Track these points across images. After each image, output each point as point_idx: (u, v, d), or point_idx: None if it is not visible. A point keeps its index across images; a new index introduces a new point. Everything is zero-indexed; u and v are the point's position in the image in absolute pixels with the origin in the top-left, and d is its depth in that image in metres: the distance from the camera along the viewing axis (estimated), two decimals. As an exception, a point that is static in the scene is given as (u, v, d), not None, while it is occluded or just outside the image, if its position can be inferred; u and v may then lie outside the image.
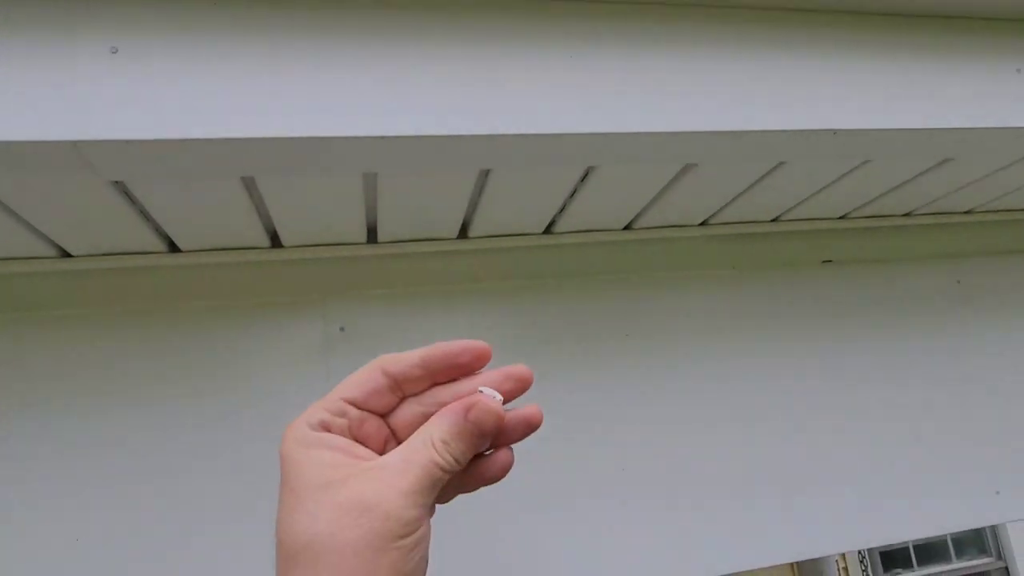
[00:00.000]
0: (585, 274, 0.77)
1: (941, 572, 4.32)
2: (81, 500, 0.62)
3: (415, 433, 0.34)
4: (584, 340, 0.76)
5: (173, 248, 0.64)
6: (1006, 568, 4.31)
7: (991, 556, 4.39)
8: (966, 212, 0.87)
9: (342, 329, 0.70)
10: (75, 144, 0.41)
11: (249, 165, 0.47)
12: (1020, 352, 0.90)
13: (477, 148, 0.48)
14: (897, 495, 0.81)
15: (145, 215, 0.57)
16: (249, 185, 0.53)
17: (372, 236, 0.68)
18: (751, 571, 0.80)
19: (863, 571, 3.75)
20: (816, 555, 0.79)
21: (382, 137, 0.45)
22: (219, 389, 0.67)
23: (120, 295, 0.66)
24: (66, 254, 0.63)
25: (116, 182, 0.50)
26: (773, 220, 0.80)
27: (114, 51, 0.42)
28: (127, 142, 0.42)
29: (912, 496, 0.82)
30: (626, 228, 0.75)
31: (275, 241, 0.66)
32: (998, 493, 0.84)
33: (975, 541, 4.35)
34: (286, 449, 0.32)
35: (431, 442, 0.33)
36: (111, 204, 0.53)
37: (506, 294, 0.75)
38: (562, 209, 0.67)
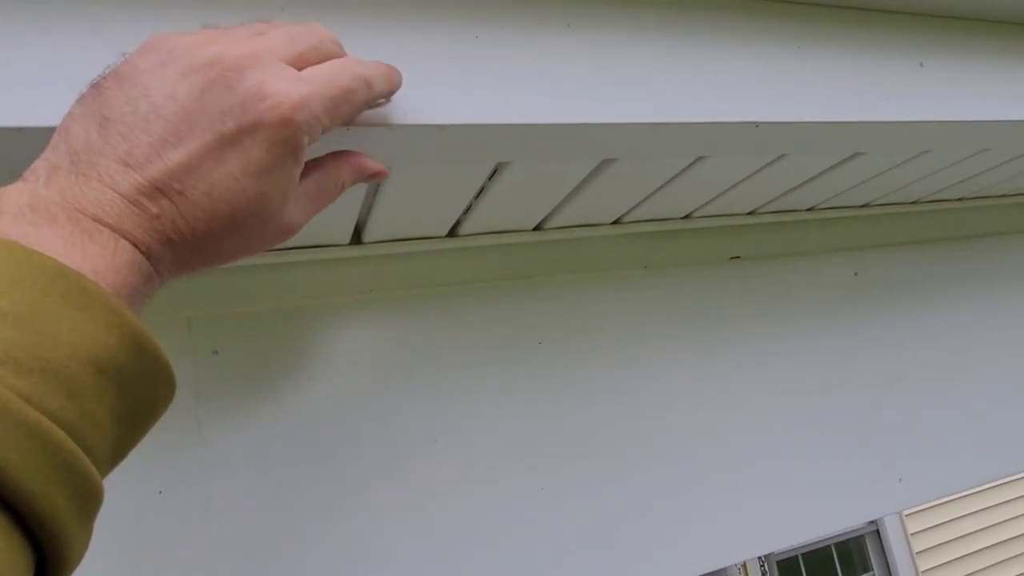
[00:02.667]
0: (492, 278, 0.71)
1: (823, 540, 4.65)
2: None
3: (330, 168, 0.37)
4: (494, 349, 0.70)
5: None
6: (877, 531, 4.70)
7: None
8: (863, 206, 0.89)
9: (215, 353, 0.60)
10: None
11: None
12: (916, 340, 0.92)
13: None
14: (803, 491, 0.81)
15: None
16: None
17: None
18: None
19: None
20: (723, 564, 0.78)
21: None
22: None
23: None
24: None
25: None
26: (685, 217, 0.77)
27: None
28: None
29: (819, 490, 0.82)
30: (536, 228, 0.70)
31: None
32: (900, 481, 0.86)
33: (860, 560, 4.70)
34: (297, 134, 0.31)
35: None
36: None
37: (406, 303, 0.67)
38: (468, 210, 0.61)
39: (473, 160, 0.49)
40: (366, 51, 0.40)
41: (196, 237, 0.30)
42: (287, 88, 0.30)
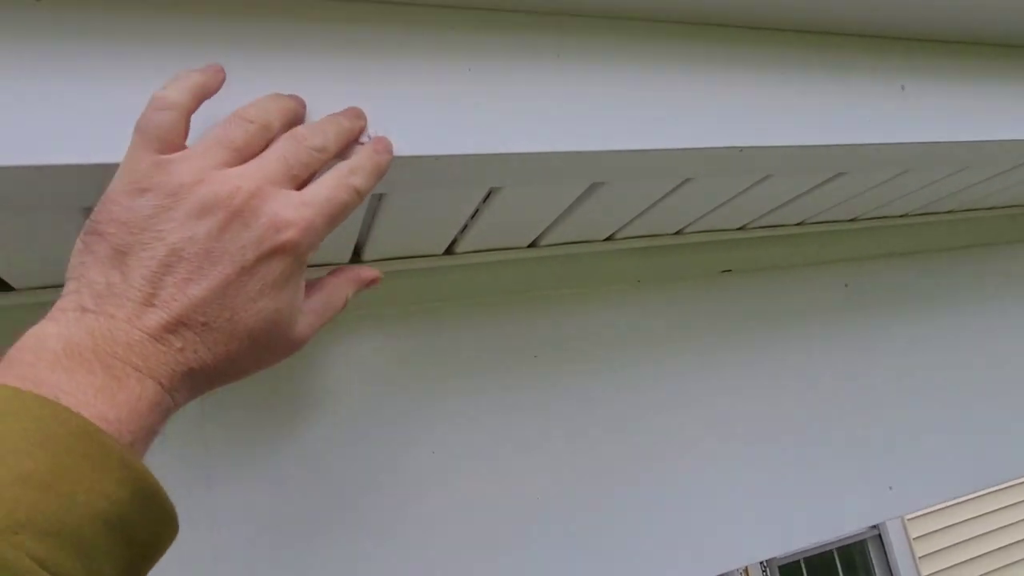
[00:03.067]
0: (489, 293, 0.73)
1: (825, 544, 4.65)
2: None
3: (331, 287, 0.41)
4: (490, 363, 0.72)
5: (4, 287, 0.54)
6: (879, 536, 4.70)
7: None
8: (851, 220, 0.91)
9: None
10: None
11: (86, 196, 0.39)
12: (906, 350, 0.94)
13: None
14: (794, 499, 0.83)
15: (-37, 251, 0.47)
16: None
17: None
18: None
19: None
20: (719, 571, 0.79)
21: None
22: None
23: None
24: None
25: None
26: (676, 233, 0.79)
27: None
28: (-82, 172, 0.33)
29: (810, 499, 0.84)
30: (531, 246, 0.72)
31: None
32: (891, 488, 0.88)
33: (863, 565, 4.70)
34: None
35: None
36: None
37: (403, 319, 0.69)
38: (464, 229, 0.63)
39: (467, 186, 0.51)
40: (365, 88, 0.42)
41: (216, 362, 0.33)
42: (295, 216, 0.34)
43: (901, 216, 0.94)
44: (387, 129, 0.42)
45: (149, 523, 0.29)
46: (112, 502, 0.27)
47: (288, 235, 0.33)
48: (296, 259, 0.34)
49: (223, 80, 0.36)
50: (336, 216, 0.36)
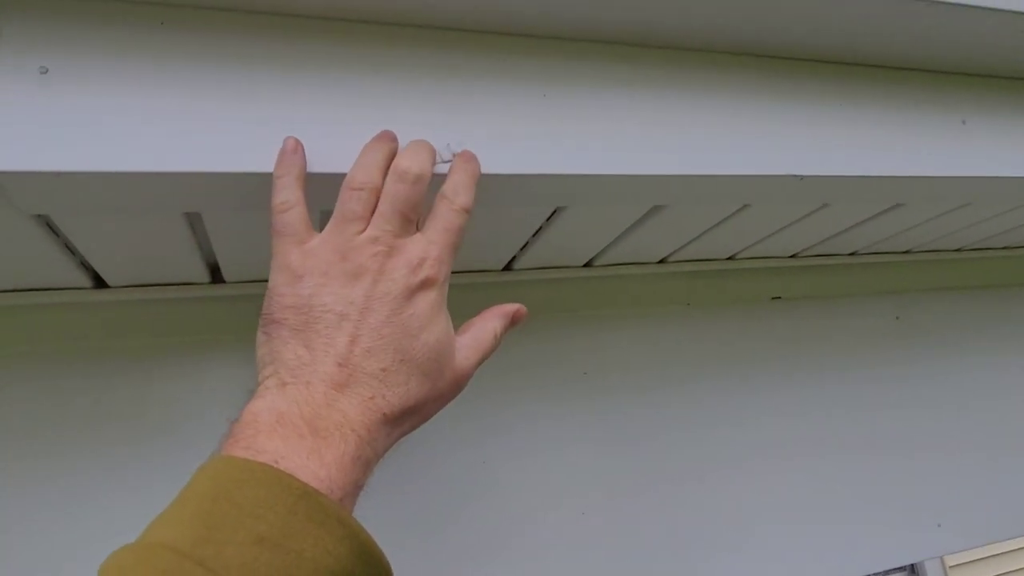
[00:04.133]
0: (544, 311, 0.75)
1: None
2: (-17, 569, 0.55)
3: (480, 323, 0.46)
4: (541, 378, 0.74)
5: (100, 284, 0.58)
6: (919, 581, 4.53)
7: (904, 571, 4.59)
8: (905, 252, 0.91)
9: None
10: (-7, 175, 0.36)
11: (197, 201, 0.43)
12: (957, 385, 0.93)
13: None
14: (840, 531, 0.82)
15: (70, 249, 0.51)
16: (193, 221, 0.49)
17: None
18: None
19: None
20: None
21: (331, 174, 0.42)
22: (144, 435, 0.61)
23: (36, 333, 0.59)
24: (-27, 290, 0.56)
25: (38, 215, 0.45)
26: (729, 258, 0.80)
27: (44, 71, 0.38)
28: (56, 174, 0.37)
29: (855, 531, 0.83)
30: (586, 265, 0.73)
31: (216, 276, 0.61)
32: (939, 526, 0.86)
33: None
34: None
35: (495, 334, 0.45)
36: (30, 238, 0.47)
37: (462, 332, 0.72)
38: (524, 247, 0.65)
39: (535, 205, 0.53)
40: (448, 111, 0.45)
41: (402, 402, 0.37)
42: (426, 254, 0.39)
43: (956, 250, 0.94)
44: (473, 147, 0.45)
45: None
46: (335, 558, 0.30)
47: (425, 272, 0.39)
48: (438, 290, 0.40)
49: (304, 155, 0.40)
50: (456, 241, 0.41)
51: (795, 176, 0.54)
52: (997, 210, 0.75)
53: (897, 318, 0.94)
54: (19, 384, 0.58)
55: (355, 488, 0.34)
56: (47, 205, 0.40)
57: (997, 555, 4.33)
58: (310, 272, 0.38)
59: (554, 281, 0.74)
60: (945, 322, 0.96)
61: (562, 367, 0.75)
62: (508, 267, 0.70)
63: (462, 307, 0.71)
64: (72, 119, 0.38)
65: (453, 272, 0.68)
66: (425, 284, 0.39)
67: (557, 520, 0.70)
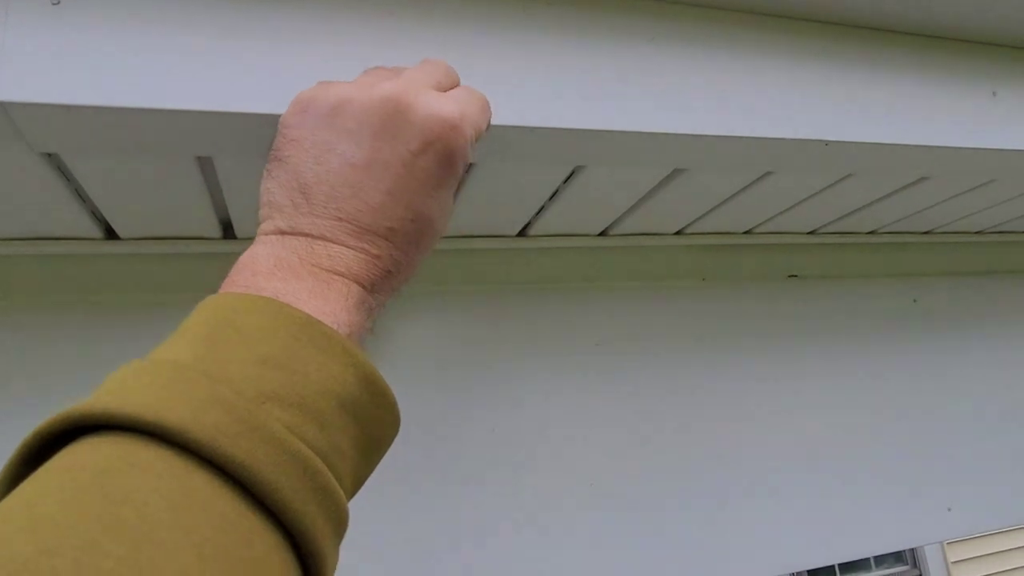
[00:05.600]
0: (558, 280, 0.74)
1: (861, 581, 4.50)
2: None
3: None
4: (554, 347, 0.73)
5: (111, 235, 0.58)
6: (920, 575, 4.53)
7: (907, 564, 4.61)
8: (925, 232, 0.89)
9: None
10: (4, 106, 0.35)
11: (210, 143, 0.42)
12: (972, 370, 0.92)
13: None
14: (851, 512, 0.81)
15: (80, 195, 0.50)
16: (206, 166, 0.48)
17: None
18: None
19: (792, 581, 3.85)
20: (769, 575, 0.79)
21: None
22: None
23: (46, 284, 0.59)
24: (-17, 237, 0.55)
25: (49, 155, 0.44)
26: (746, 232, 0.79)
27: (56, 2, 0.37)
28: (68, 107, 0.36)
29: (866, 513, 0.82)
30: (601, 234, 0.72)
31: (228, 231, 0.60)
32: (950, 510, 0.85)
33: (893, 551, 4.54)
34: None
35: None
36: (41, 181, 0.46)
37: (474, 298, 0.71)
38: (540, 211, 0.64)
39: (554, 162, 0.52)
40: (472, 59, 0.44)
41: (408, 259, 0.35)
42: (451, 107, 0.34)
43: (976, 233, 0.92)
44: (490, 98, 0.44)
45: (374, 407, 0.30)
46: (340, 382, 0.28)
47: (450, 124, 0.34)
48: (459, 149, 0.35)
49: None
50: (482, 118, 0.37)
51: (821, 141, 0.53)
52: (1022, 189, 0.74)
53: (914, 301, 0.92)
54: (27, 335, 0.58)
55: (359, 330, 0.32)
56: (58, 142, 0.40)
57: (1001, 552, 4.33)
58: (319, 102, 0.34)
59: (569, 250, 0.73)
60: (962, 306, 0.94)
61: (575, 337, 0.74)
62: (523, 232, 0.69)
63: (476, 274, 0.71)
64: (84, 52, 0.37)
65: (465, 236, 0.68)
66: (456, 135, 0.34)
67: (567, 489, 0.70)
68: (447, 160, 0.35)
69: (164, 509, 0.22)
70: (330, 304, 0.31)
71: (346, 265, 0.32)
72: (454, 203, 0.38)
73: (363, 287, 0.33)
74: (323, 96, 0.35)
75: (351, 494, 0.30)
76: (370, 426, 0.30)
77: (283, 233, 0.33)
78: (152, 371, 0.26)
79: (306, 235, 0.32)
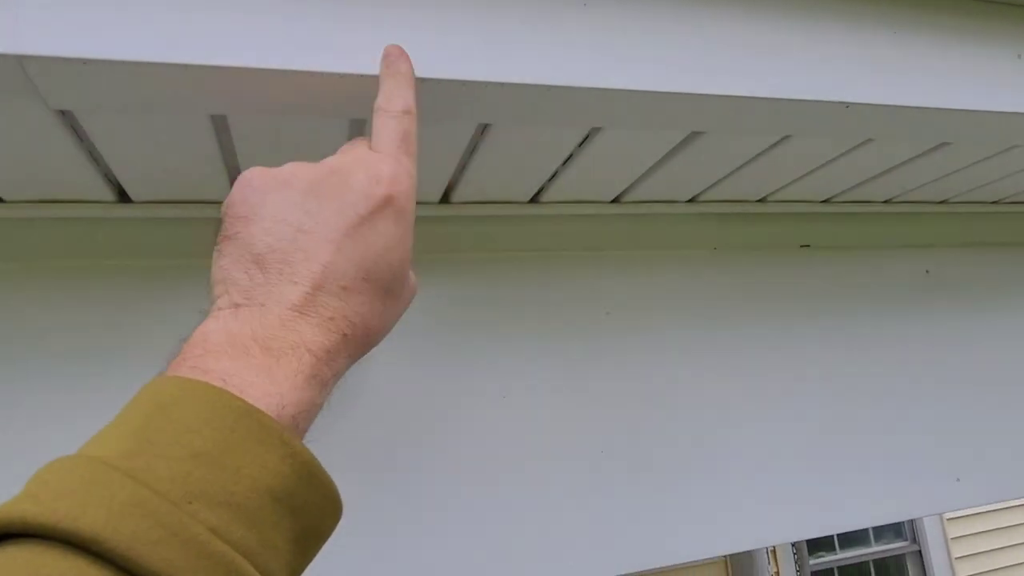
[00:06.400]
0: (569, 248, 0.73)
1: (861, 555, 4.55)
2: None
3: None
4: (564, 316, 0.73)
5: (123, 199, 0.58)
6: (919, 551, 4.58)
7: (907, 540, 4.65)
8: (941, 202, 0.88)
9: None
10: (20, 60, 0.35)
11: (225, 101, 0.41)
12: (983, 343, 0.91)
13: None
14: (860, 481, 0.82)
15: (93, 156, 0.50)
16: (219, 126, 0.47)
17: (348, 196, 0.62)
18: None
19: (794, 554, 3.90)
20: (776, 542, 0.79)
21: (375, 77, 0.40)
22: (165, 357, 0.60)
23: (58, 248, 0.59)
24: (-3, 199, 0.55)
25: (63, 113, 0.43)
26: (759, 200, 0.78)
27: (69, -48, 0.36)
28: (84, 61, 0.36)
29: (875, 482, 0.82)
30: (614, 201, 0.72)
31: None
32: (958, 480, 0.85)
33: (892, 526, 4.58)
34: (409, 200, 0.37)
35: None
36: (55, 141, 0.46)
37: (485, 265, 0.71)
38: (553, 177, 0.63)
39: (569, 123, 0.52)
40: (480, 15, 0.43)
41: (364, 322, 0.35)
42: (388, 167, 0.36)
43: (994, 202, 0.91)
44: (500, 56, 0.43)
45: (312, 499, 0.30)
46: (276, 476, 0.28)
47: (387, 184, 0.36)
48: (405, 207, 0.37)
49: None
50: (410, 149, 0.39)
51: (841, 103, 0.52)
52: (1043, 156, 0.73)
53: (927, 272, 0.92)
54: (39, 298, 0.58)
55: (310, 407, 0.32)
56: (73, 98, 0.39)
57: (1000, 528, 4.36)
58: (265, 180, 0.35)
59: (581, 217, 0.72)
60: (975, 278, 0.94)
61: (586, 305, 0.74)
62: (535, 199, 0.68)
63: (489, 239, 0.71)
64: (100, 6, 0.36)
65: (478, 203, 0.68)
66: (389, 197, 0.36)
67: (576, 456, 0.70)
68: (395, 218, 0.36)
69: None
70: (277, 384, 0.30)
71: (298, 333, 0.32)
72: (409, 262, 0.38)
73: (316, 356, 0.32)
74: (269, 173, 0.36)
75: None
76: (308, 517, 0.30)
77: (237, 306, 0.33)
78: (76, 471, 0.26)
79: (260, 304, 0.32)
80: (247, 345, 0.31)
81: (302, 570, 0.31)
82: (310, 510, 0.30)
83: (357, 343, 0.35)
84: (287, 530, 0.29)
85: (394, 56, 0.40)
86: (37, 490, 0.25)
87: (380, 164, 0.36)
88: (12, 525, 0.24)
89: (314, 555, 0.32)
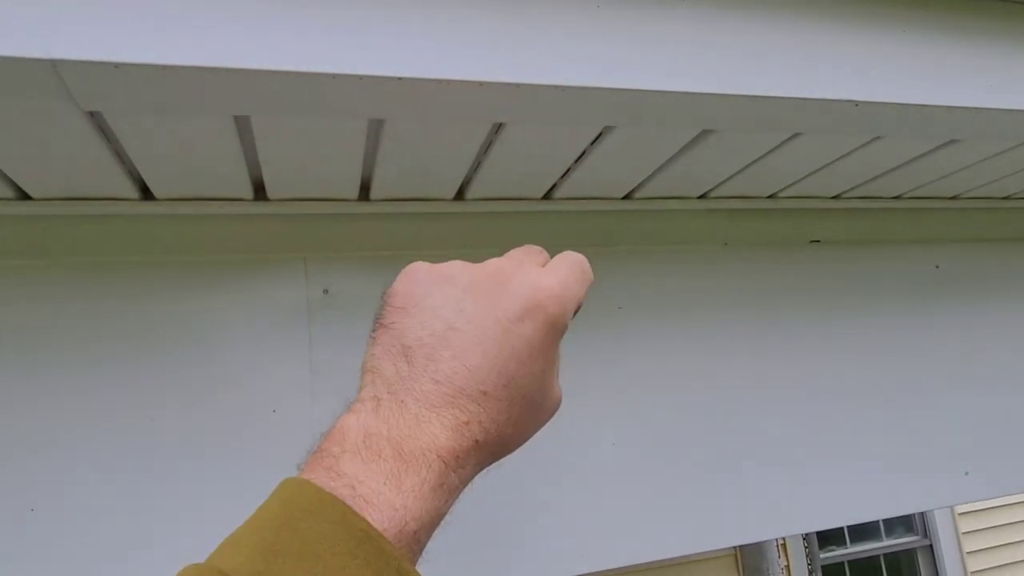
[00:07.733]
0: (581, 243, 0.74)
1: (872, 549, 4.54)
2: (29, 465, 0.57)
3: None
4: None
5: (146, 195, 0.59)
6: (931, 545, 4.56)
7: (917, 535, 4.64)
8: (951, 197, 0.88)
9: (326, 292, 0.66)
10: (54, 64, 0.36)
11: (248, 101, 0.43)
12: (992, 337, 0.92)
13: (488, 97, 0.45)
14: (870, 474, 0.82)
15: (119, 155, 0.51)
16: (242, 126, 0.49)
17: (364, 193, 0.64)
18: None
19: (805, 548, 3.90)
20: (785, 534, 0.80)
21: (397, 78, 0.42)
22: (186, 352, 0.62)
23: (84, 245, 0.60)
24: (25, 196, 0.57)
25: (92, 114, 0.45)
26: (770, 196, 0.79)
27: (101, -40, 0.37)
28: (116, 65, 0.37)
29: (884, 475, 0.83)
30: (625, 197, 0.73)
31: (259, 193, 0.61)
32: (967, 474, 0.86)
33: (903, 520, 4.57)
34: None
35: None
36: (83, 140, 0.48)
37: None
38: (566, 174, 0.64)
39: (584, 123, 0.53)
40: (501, 21, 0.44)
41: (499, 430, 0.34)
42: (550, 279, 0.36)
43: (1003, 198, 0.91)
44: (520, 57, 0.44)
45: None
46: None
47: (550, 295, 0.35)
48: (557, 320, 0.36)
49: None
50: (585, 278, 0.39)
51: (851, 101, 0.53)
52: (1054, 153, 0.73)
53: (937, 267, 0.92)
54: (64, 294, 0.60)
55: (433, 517, 0.32)
56: (104, 100, 0.41)
57: (1012, 523, 4.34)
58: (431, 275, 0.36)
59: (593, 213, 0.73)
60: (985, 273, 0.94)
61: (597, 300, 0.75)
62: (548, 196, 0.69)
63: (499, 235, 0.72)
64: (132, 11, 0.37)
65: (491, 199, 0.69)
66: (555, 305, 0.35)
67: (587, 449, 0.71)
68: (545, 329, 0.35)
69: None
70: (403, 495, 0.30)
71: (432, 437, 0.32)
72: (557, 383, 0.38)
73: (444, 462, 0.32)
74: (435, 270, 0.37)
75: None
76: None
77: (379, 401, 0.33)
78: None
79: (400, 401, 0.33)
80: (381, 448, 0.31)
81: None
82: None
83: (489, 450, 0.35)
84: None
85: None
86: None
87: (544, 276, 0.36)
88: None
89: None
